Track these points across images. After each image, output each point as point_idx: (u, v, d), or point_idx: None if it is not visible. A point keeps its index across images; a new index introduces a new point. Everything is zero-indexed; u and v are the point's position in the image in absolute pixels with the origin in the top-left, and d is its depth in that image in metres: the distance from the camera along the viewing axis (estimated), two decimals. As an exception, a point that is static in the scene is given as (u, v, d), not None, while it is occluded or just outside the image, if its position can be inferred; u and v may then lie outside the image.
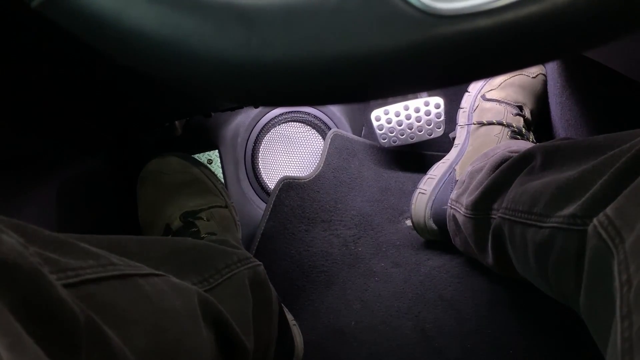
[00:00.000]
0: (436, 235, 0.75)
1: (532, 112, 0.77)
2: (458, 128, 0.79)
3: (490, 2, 0.17)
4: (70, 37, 0.22)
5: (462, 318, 0.68)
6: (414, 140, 0.83)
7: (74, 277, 0.31)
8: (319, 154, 0.87)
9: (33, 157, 0.65)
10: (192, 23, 0.19)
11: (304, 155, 0.92)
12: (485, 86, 0.79)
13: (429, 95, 0.81)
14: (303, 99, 0.21)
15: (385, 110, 0.82)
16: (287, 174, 0.83)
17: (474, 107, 0.78)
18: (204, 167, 0.73)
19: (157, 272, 0.41)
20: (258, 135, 0.91)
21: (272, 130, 0.92)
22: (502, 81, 0.78)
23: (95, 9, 0.20)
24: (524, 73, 0.78)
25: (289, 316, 0.67)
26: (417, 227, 0.76)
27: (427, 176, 0.76)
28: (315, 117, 0.91)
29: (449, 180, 0.73)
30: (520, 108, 0.76)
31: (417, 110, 0.81)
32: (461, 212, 0.64)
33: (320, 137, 0.92)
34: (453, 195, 0.69)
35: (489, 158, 0.64)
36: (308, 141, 0.92)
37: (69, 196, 0.70)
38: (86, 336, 0.28)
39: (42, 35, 0.43)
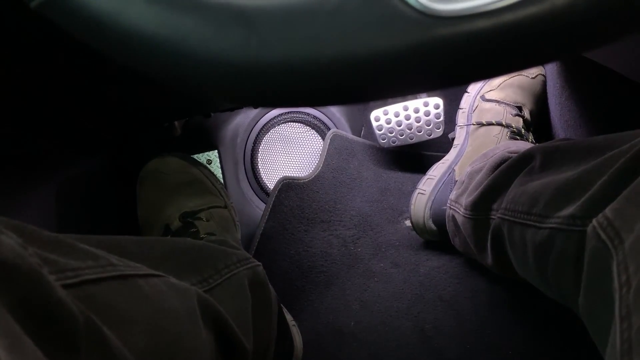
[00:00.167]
0: (435, 236, 0.75)
1: (531, 113, 0.77)
2: (457, 128, 0.79)
3: (489, 4, 0.17)
4: (70, 37, 0.22)
5: (461, 318, 0.68)
6: (414, 141, 0.83)
7: (73, 277, 0.31)
8: (318, 154, 0.87)
9: (33, 157, 0.65)
10: (190, 23, 0.19)
11: (303, 156, 0.92)
12: (484, 87, 0.79)
13: (429, 96, 0.81)
14: (302, 99, 0.21)
15: (385, 110, 0.82)
16: (287, 174, 0.83)
17: (473, 108, 0.78)
18: (203, 168, 0.73)
19: (156, 272, 0.41)
20: (257, 135, 0.91)
21: (271, 131, 0.92)
22: (501, 82, 0.78)
23: (94, 9, 0.20)
24: (523, 74, 0.78)
25: (289, 316, 0.67)
26: (417, 228, 0.76)
27: (426, 177, 0.76)
28: (314, 117, 0.91)
29: (448, 180, 0.73)
30: (520, 109, 0.76)
31: (416, 111, 0.81)
32: (460, 212, 0.64)
33: (320, 138, 0.92)
34: (452, 196, 0.69)
35: (489, 158, 0.64)
36: (307, 141, 0.92)
37: (68, 196, 0.70)
38: (85, 337, 0.28)
39: (42, 35, 0.43)
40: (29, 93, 0.54)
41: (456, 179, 0.72)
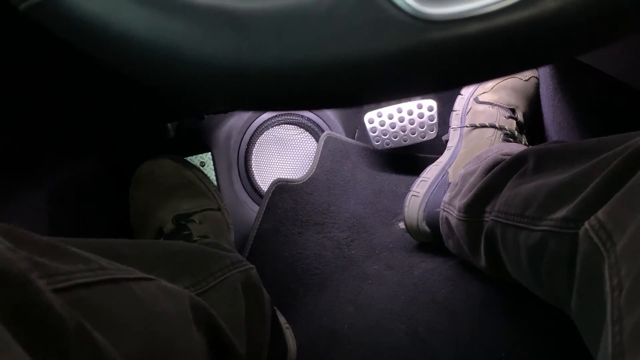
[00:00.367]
0: (429, 238, 0.75)
1: (524, 115, 0.78)
2: (451, 131, 0.79)
3: (480, 8, 0.17)
4: (60, 39, 0.22)
5: (455, 321, 0.68)
6: (407, 143, 0.83)
7: (64, 281, 0.31)
8: (312, 157, 0.87)
9: (25, 160, 0.64)
10: (182, 27, 0.19)
11: (297, 158, 0.92)
12: (478, 89, 0.79)
13: (422, 98, 0.81)
14: (294, 103, 0.21)
15: (379, 112, 0.82)
16: (281, 177, 0.83)
17: (467, 110, 0.78)
18: (196, 170, 0.73)
19: (148, 276, 0.40)
20: (251, 137, 0.91)
21: (265, 133, 0.91)
22: (494, 84, 0.78)
23: (85, 12, 0.20)
24: (516, 76, 0.78)
25: (282, 319, 0.67)
26: (410, 230, 0.76)
27: (420, 179, 0.76)
28: (308, 119, 0.91)
29: (441, 182, 0.73)
30: (513, 111, 0.76)
31: (410, 113, 0.82)
32: (454, 214, 0.64)
33: (314, 140, 0.92)
34: (446, 198, 0.69)
35: (482, 161, 0.65)
36: (301, 143, 0.92)
37: (61, 199, 0.69)
38: (75, 342, 0.28)
39: (31, 37, 0.42)
40: (22, 95, 0.54)
41: (450, 181, 0.72)
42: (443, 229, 0.69)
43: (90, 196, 0.74)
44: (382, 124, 0.82)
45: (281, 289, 0.74)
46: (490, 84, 0.78)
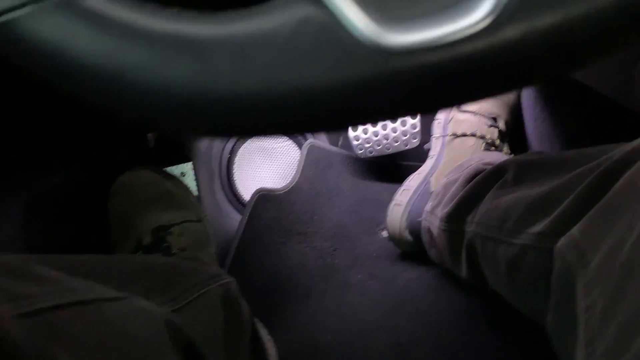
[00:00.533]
0: (412, 247, 0.74)
1: (506, 124, 0.78)
2: (433, 139, 0.79)
3: (440, 38, 0.17)
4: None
5: (438, 330, 0.68)
6: (390, 151, 0.83)
7: (28, 305, 0.30)
8: (295, 165, 0.86)
9: (1, 170, 0.63)
10: (139, 54, 0.19)
11: (280, 166, 0.91)
12: (460, 97, 0.79)
13: (405, 106, 0.81)
14: (251, 131, 0.21)
15: (361, 121, 0.82)
16: (263, 186, 0.82)
17: (449, 119, 0.78)
18: (176, 180, 0.72)
19: (122, 294, 0.40)
20: (233, 146, 0.90)
21: (247, 142, 0.91)
22: (476, 92, 0.78)
23: (39, 39, 0.19)
24: (498, 84, 0.78)
25: (264, 331, 0.66)
26: (393, 239, 0.75)
27: (402, 187, 0.76)
28: (291, 127, 0.90)
29: (424, 191, 0.73)
30: (495, 119, 0.76)
31: (393, 121, 0.81)
32: (436, 224, 0.64)
33: (297, 148, 0.91)
34: (428, 207, 0.69)
35: (463, 170, 0.65)
36: (284, 152, 0.91)
37: (38, 212, 0.68)
38: None
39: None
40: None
41: (431, 190, 0.72)
42: (425, 238, 0.69)
43: (68, 207, 0.73)
44: (365, 132, 0.82)
45: (263, 300, 0.73)
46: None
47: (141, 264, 0.48)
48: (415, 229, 0.72)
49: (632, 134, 0.40)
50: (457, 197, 0.60)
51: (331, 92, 0.18)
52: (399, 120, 0.81)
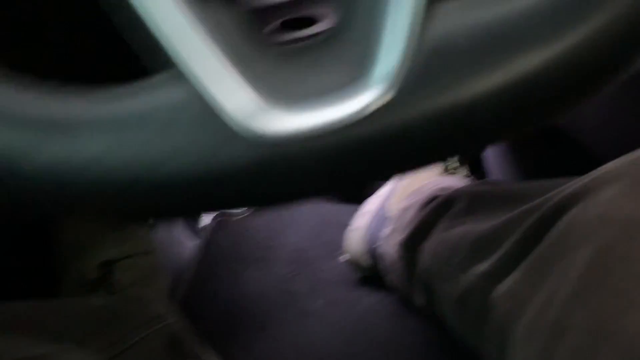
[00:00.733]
0: (372, 271, 0.73)
1: (464, 145, 0.77)
2: (392, 162, 0.78)
3: (325, 127, 0.16)
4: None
5: (397, 359, 0.67)
6: (350, 173, 0.82)
7: None
8: (254, 189, 0.84)
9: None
10: (17, 139, 0.17)
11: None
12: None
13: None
14: (141, 216, 0.19)
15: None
16: (219, 211, 0.80)
17: (407, 141, 0.77)
18: (127, 210, 0.69)
19: (50, 350, 0.38)
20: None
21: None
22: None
23: None
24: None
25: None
26: (352, 264, 0.74)
27: (360, 212, 0.75)
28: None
29: (381, 216, 0.72)
30: (453, 141, 0.76)
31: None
32: (391, 251, 0.63)
33: (256, 170, 0.89)
34: (384, 233, 0.68)
35: (420, 195, 0.64)
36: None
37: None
38: None
39: None
40: None
41: (387, 215, 0.71)
42: (382, 265, 0.68)
43: (6, 238, 0.70)
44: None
45: (219, 334, 0.71)
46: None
47: (77, 309, 0.46)
48: (374, 254, 0.71)
49: (579, 164, 0.40)
50: (411, 225, 0.59)
51: (215, 179, 0.17)
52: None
